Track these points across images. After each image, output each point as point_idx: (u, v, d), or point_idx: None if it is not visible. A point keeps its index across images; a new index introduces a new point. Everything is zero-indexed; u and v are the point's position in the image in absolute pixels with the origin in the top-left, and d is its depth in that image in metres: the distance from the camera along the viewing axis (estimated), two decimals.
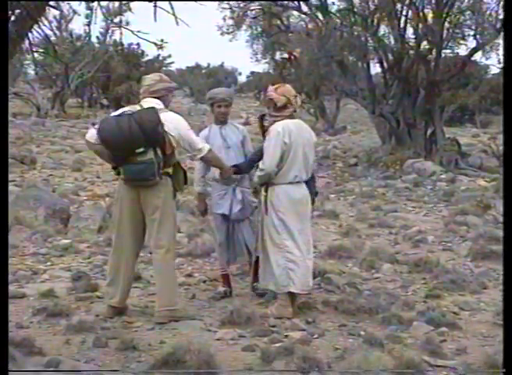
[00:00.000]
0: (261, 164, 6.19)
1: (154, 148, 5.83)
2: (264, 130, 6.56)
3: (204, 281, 7.42)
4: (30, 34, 5.10)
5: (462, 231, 10.26)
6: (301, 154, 6.20)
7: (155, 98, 6.06)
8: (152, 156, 5.80)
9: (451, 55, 21.04)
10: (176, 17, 5.14)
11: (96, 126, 5.92)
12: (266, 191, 6.24)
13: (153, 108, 5.93)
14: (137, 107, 6.01)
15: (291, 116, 6.26)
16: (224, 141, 6.72)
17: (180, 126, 5.99)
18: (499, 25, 18.13)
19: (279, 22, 23.18)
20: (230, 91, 6.75)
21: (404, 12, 19.56)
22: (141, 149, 5.77)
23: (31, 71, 36.51)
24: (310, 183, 6.89)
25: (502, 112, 33.54)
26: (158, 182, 5.91)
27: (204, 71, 56.06)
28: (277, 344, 5.28)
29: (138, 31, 6.02)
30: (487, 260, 8.38)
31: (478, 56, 20.87)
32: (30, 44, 5.53)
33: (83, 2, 6.90)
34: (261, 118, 6.62)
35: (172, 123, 5.95)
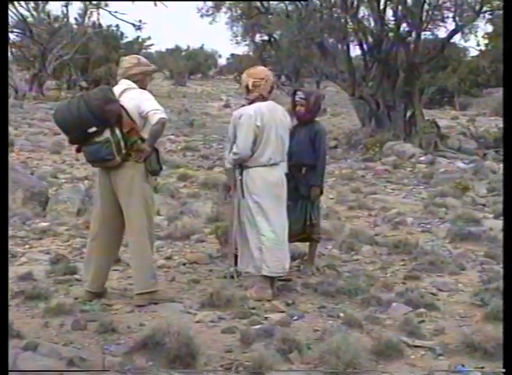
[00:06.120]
0: (234, 148, 6.14)
1: (112, 127, 5.72)
2: (294, 106, 6.91)
3: (184, 264, 7.40)
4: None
5: (441, 213, 10.33)
6: (274, 136, 6.16)
7: (132, 81, 5.98)
8: (109, 135, 5.70)
9: (430, 37, 21.09)
10: None
11: None
12: (241, 174, 6.22)
13: (106, 87, 5.88)
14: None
15: (261, 99, 6.19)
16: None
17: (141, 98, 5.83)
18: (478, 7, 18.18)
19: (258, 4, 23.06)
20: None
21: None
22: (93, 129, 5.68)
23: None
24: (316, 171, 6.89)
25: (481, 95, 33.67)
26: (123, 163, 5.80)
27: (183, 53, 55.77)
28: (257, 326, 5.29)
29: (115, 12, 5.96)
30: (465, 242, 8.44)
31: (457, 38, 20.91)
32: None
33: None
34: (294, 94, 7.00)
35: (135, 99, 5.81)
